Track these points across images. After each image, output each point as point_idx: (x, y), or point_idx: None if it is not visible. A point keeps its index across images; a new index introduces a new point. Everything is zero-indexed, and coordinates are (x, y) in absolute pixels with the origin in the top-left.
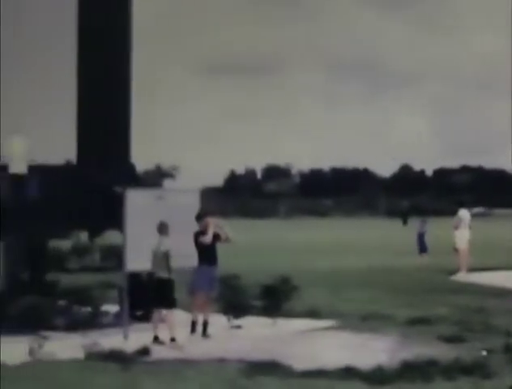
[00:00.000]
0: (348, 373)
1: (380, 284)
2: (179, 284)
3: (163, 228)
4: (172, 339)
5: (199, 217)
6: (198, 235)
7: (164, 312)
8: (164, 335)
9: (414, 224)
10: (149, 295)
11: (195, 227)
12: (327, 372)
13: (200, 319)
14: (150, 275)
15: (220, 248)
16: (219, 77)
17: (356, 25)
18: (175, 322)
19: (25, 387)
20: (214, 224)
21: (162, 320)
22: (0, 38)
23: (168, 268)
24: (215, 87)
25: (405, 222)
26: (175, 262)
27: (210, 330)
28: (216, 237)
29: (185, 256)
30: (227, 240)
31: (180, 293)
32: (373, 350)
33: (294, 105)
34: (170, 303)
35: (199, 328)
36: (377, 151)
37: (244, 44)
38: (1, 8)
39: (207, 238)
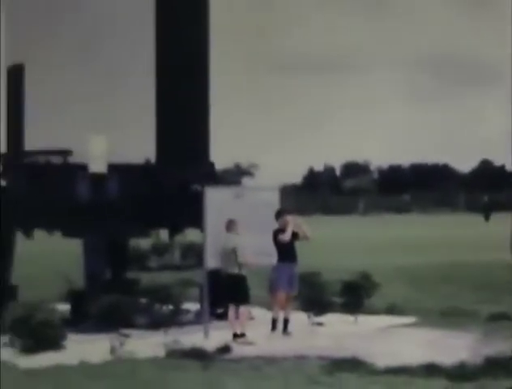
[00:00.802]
0: (430, 369)
1: (461, 280)
2: (259, 282)
3: (230, 225)
4: (242, 335)
5: (278, 215)
6: (277, 233)
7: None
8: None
9: (496, 219)
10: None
11: (274, 225)
12: (409, 369)
13: (281, 317)
14: (219, 272)
15: (300, 245)
16: (296, 75)
17: (441, 22)
18: (246, 317)
19: (107, 385)
20: (293, 222)
21: (237, 316)
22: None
23: (238, 264)
24: (292, 85)
25: (487, 218)
26: (256, 260)
27: (290, 327)
28: (295, 235)
29: (265, 254)
30: (305, 238)
31: (260, 291)
32: (455, 346)
33: (373, 101)
34: (242, 299)
35: (280, 326)
36: (456, 147)
37: (322, 41)
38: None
39: (286, 236)
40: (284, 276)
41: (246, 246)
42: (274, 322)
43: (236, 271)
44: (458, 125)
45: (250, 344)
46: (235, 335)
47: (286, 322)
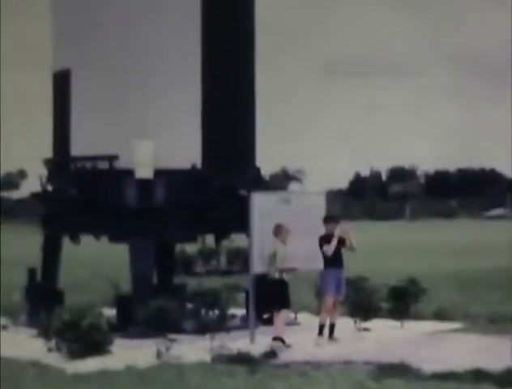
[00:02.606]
0: (478, 375)
1: (509, 286)
2: (307, 287)
3: (277, 230)
4: (278, 339)
5: (326, 221)
6: (323, 239)
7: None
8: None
9: None
10: (270, 298)
11: (321, 230)
12: (456, 374)
13: (327, 323)
14: (265, 277)
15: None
16: (344, 78)
17: (492, 24)
18: (283, 322)
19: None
20: (339, 230)
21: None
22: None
23: (277, 269)
24: (340, 88)
25: None
26: (295, 265)
27: (337, 332)
28: (342, 241)
29: (311, 259)
30: (352, 249)
31: (307, 296)
32: (503, 352)
33: (420, 105)
34: (281, 304)
35: (326, 331)
36: (503, 151)
37: (372, 43)
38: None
39: (329, 250)
40: (332, 282)
41: (291, 251)
42: (321, 328)
43: (276, 276)
44: (505, 128)
45: (288, 347)
46: (275, 339)
47: (332, 327)
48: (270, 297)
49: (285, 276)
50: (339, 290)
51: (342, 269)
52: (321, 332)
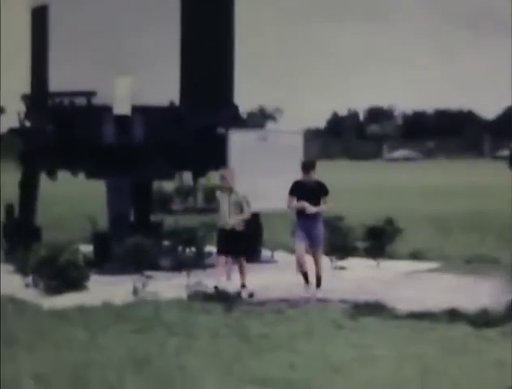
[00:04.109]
0: (453, 315)
1: (486, 228)
2: (283, 226)
3: (221, 180)
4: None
5: (305, 168)
6: (296, 186)
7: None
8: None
9: None
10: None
11: (298, 169)
12: (432, 314)
13: (307, 269)
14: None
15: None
16: (323, 21)
17: None
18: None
19: (129, 326)
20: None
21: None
22: None
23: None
24: (319, 30)
25: None
26: (277, 204)
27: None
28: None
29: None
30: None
31: (283, 235)
32: (478, 293)
33: (398, 48)
34: (235, 252)
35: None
36: (481, 93)
37: None
38: None
39: (309, 209)
40: (300, 230)
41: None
42: (304, 276)
43: (228, 227)
44: (483, 72)
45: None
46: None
47: (318, 279)
48: (224, 246)
49: (238, 226)
50: (311, 240)
51: (315, 219)
52: (306, 280)
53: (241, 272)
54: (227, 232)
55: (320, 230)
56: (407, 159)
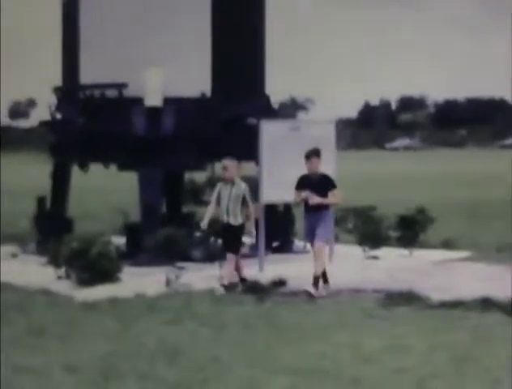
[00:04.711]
0: (485, 304)
1: None
2: None
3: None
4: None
5: (309, 156)
6: (302, 181)
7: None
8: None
9: None
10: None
11: (330, 160)
12: (464, 303)
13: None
14: (275, 206)
15: (356, 179)
16: (355, 8)
17: None
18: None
19: (162, 317)
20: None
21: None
22: None
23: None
24: (350, 18)
25: None
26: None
27: (345, 260)
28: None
29: None
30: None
31: None
32: (510, 281)
33: (430, 36)
34: (230, 247)
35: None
36: None
37: None
38: None
39: (313, 199)
40: (306, 226)
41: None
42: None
43: (225, 220)
44: None
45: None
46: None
47: (324, 275)
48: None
49: (235, 221)
50: (315, 235)
51: (320, 212)
52: (316, 284)
53: (236, 269)
54: (223, 228)
55: (325, 225)
56: (406, 148)
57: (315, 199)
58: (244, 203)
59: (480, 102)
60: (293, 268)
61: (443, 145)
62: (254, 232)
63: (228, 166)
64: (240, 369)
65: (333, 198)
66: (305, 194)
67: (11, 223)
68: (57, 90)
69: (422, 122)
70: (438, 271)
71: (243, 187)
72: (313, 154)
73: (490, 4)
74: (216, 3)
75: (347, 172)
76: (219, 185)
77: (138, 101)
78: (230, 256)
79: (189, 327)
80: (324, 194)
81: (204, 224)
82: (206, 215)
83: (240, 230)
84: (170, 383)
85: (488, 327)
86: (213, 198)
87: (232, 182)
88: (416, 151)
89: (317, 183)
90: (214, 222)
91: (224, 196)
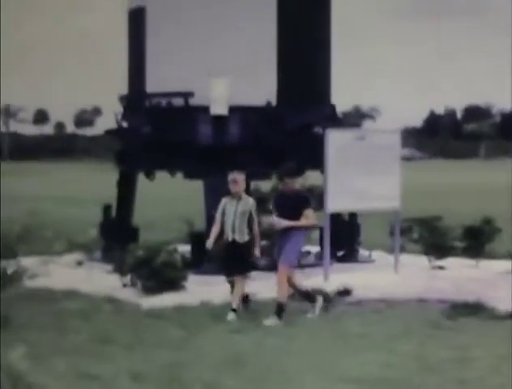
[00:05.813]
0: None
1: None
2: (380, 226)
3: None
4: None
5: (284, 175)
6: (278, 198)
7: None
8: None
9: None
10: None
11: (395, 168)
12: None
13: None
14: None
15: (420, 189)
16: (419, 18)
17: None
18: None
19: (227, 326)
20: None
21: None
22: None
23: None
24: (416, 27)
25: None
26: (376, 204)
27: (411, 271)
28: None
29: (385, 197)
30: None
31: (380, 235)
32: None
33: (496, 44)
34: (238, 268)
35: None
36: None
37: None
38: None
39: (279, 223)
40: (277, 247)
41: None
42: (303, 295)
43: (229, 239)
44: None
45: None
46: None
47: (279, 306)
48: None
49: (241, 238)
50: (279, 258)
51: (289, 234)
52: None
53: (235, 292)
54: (228, 246)
55: (291, 247)
56: (408, 159)
57: (282, 223)
58: (250, 220)
59: None
60: (358, 277)
61: (509, 155)
62: (259, 255)
63: (237, 179)
64: (306, 379)
65: (304, 220)
66: (270, 220)
67: (79, 231)
68: (123, 98)
69: (488, 132)
70: (505, 282)
71: (250, 203)
72: (287, 175)
73: None
74: (282, 11)
75: (412, 181)
76: (223, 201)
77: (203, 110)
78: (238, 278)
79: (255, 337)
80: (298, 214)
81: (210, 242)
82: (211, 233)
83: (247, 248)
84: None
85: None
86: (218, 214)
87: (238, 197)
88: (481, 160)
89: (292, 202)
90: (220, 240)
91: (229, 212)
